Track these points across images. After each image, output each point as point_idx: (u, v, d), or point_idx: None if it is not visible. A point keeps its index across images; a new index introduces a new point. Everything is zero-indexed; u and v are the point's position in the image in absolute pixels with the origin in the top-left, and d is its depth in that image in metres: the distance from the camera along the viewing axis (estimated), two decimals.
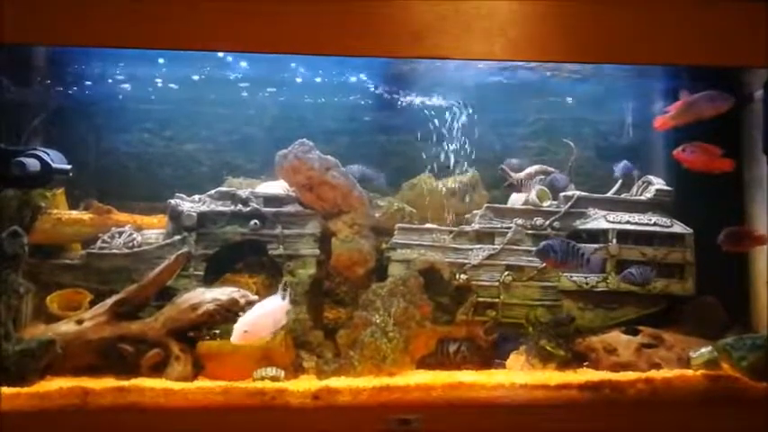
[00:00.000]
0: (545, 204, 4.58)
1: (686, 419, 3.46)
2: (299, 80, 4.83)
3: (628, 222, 4.40)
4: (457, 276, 4.35)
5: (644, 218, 4.43)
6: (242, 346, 3.87)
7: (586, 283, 4.33)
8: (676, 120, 4.05)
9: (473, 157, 4.85)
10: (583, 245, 3.96)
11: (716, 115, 3.89)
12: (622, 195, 4.68)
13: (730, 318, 4.24)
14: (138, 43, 3.54)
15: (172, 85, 4.83)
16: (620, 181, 4.73)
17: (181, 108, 4.98)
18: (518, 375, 3.85)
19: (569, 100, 5.14)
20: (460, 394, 3.48)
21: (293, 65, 4.63)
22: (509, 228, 4.44)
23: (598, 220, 4.44)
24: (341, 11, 3.43)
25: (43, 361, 3.56)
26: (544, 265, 4.31)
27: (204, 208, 4.37)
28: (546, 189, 4.70)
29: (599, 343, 4.06)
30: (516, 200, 4.67)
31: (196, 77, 4.74)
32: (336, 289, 4.51)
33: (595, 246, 4.31)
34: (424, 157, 4.96)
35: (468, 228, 4.51)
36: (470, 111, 4.88)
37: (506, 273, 4.37)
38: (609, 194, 4.67)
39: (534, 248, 4.35)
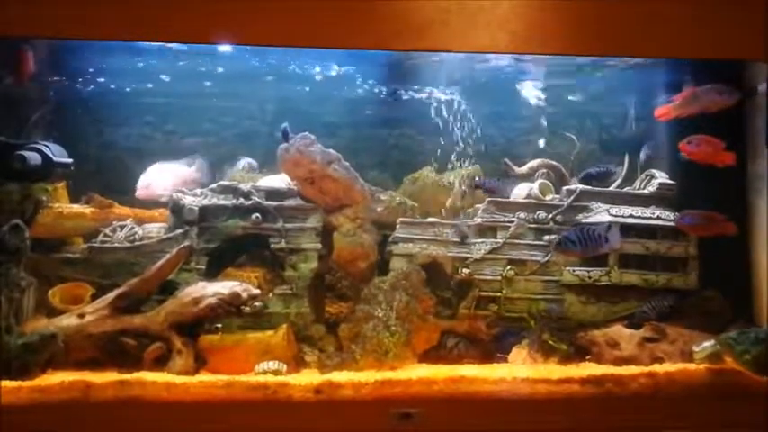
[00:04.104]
0: (547, 198, 4.58)
1: (688, 413, 3.46)
2: (300, 73, 4.82)
3: (631, 216, 4.38)
4: (459, 270, 4.35)
5: (647, 211, 4.42)
6: (244, 339, 3.90)
7: (589, 277, 4.33)
8: (679, 110, 4.04)
9: (475, 150, 4.84)
10: (593, 225, 3.95)
11: (721, 109, 3.88)
12: (625, 189, 4.67)
13: (733, 312, 4.23)
14: (139, 37, 3.55)
15: (173, 79, 4.82)
16: (622, 175, 4.72)
17: (182, 102, 4.97)
18: (520, 369, 3.84)
19: (572, 93, 5.12)
20: (462, 388, 3.47)
21: (295, 58, 4.62)
22: (511, 222, 4.44)
23: (601, 213, 4.43)
24: (344, 4, 3.42)
25: (45, 354, 3.56)
26: (548, 258, 4.31)
27: (206, 202, 4.37)
28: (548, 183, 4.70)
29: (601, 337, 4.06)
30: (519, 194, 4.66)
31: (197, 71, 4.74)
32: (338, 283, 4.49)
33: (605, 221, 4.27)
34: (426, 151, 4.95)
35: (470, 222, 4.50)
36: (472, 104, 4.86)
37: (508, 267, 4.36)
38: (611, 188, 4.66)
39: (536, 242, 4.39)
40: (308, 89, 5.00)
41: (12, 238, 3.65)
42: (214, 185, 4.47)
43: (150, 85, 4.87)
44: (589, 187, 4.56)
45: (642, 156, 4.64)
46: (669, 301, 4.11)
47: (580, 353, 4.08)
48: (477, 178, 4.59)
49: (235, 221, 4.34)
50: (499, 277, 4.35)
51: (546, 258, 4.34)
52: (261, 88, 4.98)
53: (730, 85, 3.92)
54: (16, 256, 3.67)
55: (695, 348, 3.84)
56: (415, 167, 4.88)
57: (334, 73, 4.88)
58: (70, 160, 4.03)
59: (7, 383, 3.30)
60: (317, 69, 4.83)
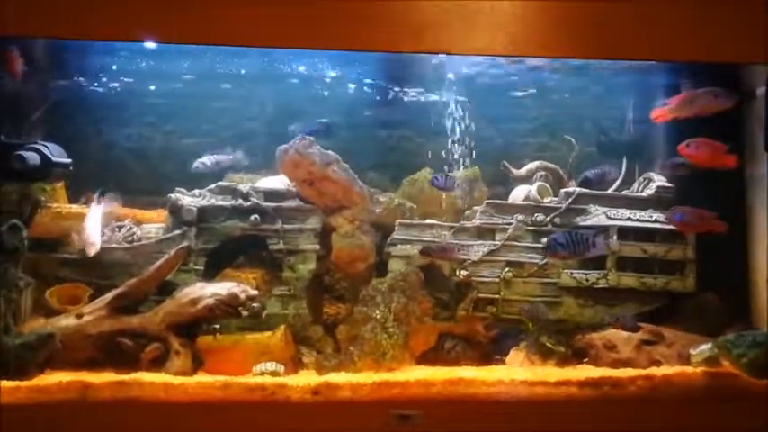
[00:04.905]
0: (545, 200, 4.58)
1: (686, 416, 3.46)
2: (299, 75, 4.82)
3: (629, 219, 4.39)
4: (457, 272, 4.35)
5: (645, 215, 4.43)
6: (242, 340, 3.90)
7: (587, 280, 4.33)
8: (675, 113, 4.04)
9: (474, 152, 4.85)
10: (583, 230, 3.94)
11: (717, 112, 3.88)
12: (623, 192, 4.67)
13: (730, 315, 4.24)
14: (139, 37, 3.54)
15: (172, 79, 4.82)
16: (620, 177, 4.73)
17: (181, 102, 4.97)
18: (518, 371, 3.84)
19: (570, 96, 5.12)
20: (460, 390, 3.48)
21: (294, 59, 4.62)
22: (510, 224, 4.44)
23: (599, 216, 4.43)
24: (343, 5, 3.42)
25: (43, 355, 3.56)
26: (545, 261, 4.31)
27: (204, 202, 4.37)
28: (546, 185, 4.70)
29: (599, 339, 4.06)
30: (517, 196, 4.66)
31: (197, 71, 4.74)
32: (336, 284, 4.49)
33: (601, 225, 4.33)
34: (425, 152, 4.95)
35: (468, 224, 4.50)
36: (471, 106, 4.87)
37: (507, 269, 4.36)
38: (610, 191, 4.66)
39: (534, 245, 4.39)
40: (306, 90, 4.99)
41: (10, 237, 3.65)
42: (213, 186, 4.47)
43: (150, 86, 4.87)
44: (587, 190, 4.56)
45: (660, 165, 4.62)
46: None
47: (578, 355, 4.08)
48: (432, 177, 4.56)
49: (233, 222, 4.34)
50: (497, 279, 4.35)
51: (544, 261, 4.34)
52: (260, 89, 4.98)
53: (727, 87, 3.92)
54: (14, 255, 3.67)
55: (692, 351, 3.84)
56: (414, 169, 4.88)
57: (333, 74, 4.88)
58: (69, 160, 4.03)
59: (5, 383, 3.29)
60: (317, 70, 4.82)
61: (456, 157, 4.82)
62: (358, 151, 4.71)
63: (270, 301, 4.23)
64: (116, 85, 4.86)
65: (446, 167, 4.77)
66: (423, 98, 5.06)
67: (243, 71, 4.77)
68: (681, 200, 4.46)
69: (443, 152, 4.82)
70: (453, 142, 4.82)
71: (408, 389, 3.46)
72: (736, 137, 4.37)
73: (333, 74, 4.87)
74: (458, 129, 4.83)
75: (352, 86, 5.03)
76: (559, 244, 3.76)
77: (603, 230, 4.20)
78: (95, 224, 3.98)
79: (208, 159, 4.70)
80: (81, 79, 4.77)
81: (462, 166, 4.83)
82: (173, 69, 4.71)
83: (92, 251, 3.91)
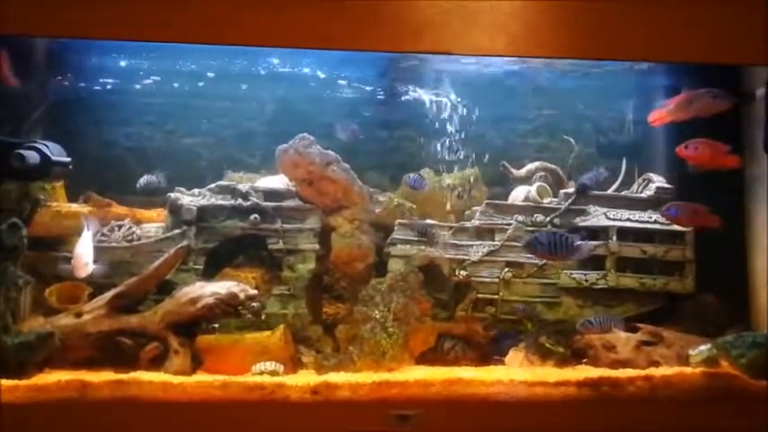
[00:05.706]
0: (545, 201, 4.58)
1: (685, 417, 3.47)
2: (300, 74, 4.82)
3: (628, 220, 4.40)
4: (456, 272, 4.35)
5: (644, 215, 4.43)
6: (241, 340, 3.90)
7: (586, 280, 4.33)
8: (673, 115, 4.03)
9: (474, 152, 4.85)
10: (569, 234, 3.94)
11: (716, 113, 3.88)
12: (623, 193, 4.67)
13: (730, 316, 4.25)
14: (140, 36, 3.54)
15: (172, 79, 4.82)
16: (620, 178, 4.73)
17: (181, 102, 4.97)
18: (517, 372, 3.85)
19: (570, 96, 5.12)
20: (460, 390, 3.48)
21: (294, 59, 4.62)
22: (509, 224, 4.44)
23: (598, 217, 4.43)
24: (343, 5, 3.42)
25: (42, 354, 3.56)
26: (543, 262, 4.30)
27: (204, 202, 4.37)
28: (546, 186, 4.70)
29: (598, 340, 4.06)
30: (516, 196, 4.66)
31: (197, 71, 4.74)
32: (336, 284, 4.50)
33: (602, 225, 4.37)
34: (425, 152, 4.95)
35: (468, 224, 4.50)
36: (471, 107, 4.87)
37: (506, 269, 4.37)
38: (609, 191, 4.66)
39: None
40: (306, 90, 4.99)
41: (9, 236, 3.66)
42: (212, 185, 4.47)
43: (150, 85, 4.86)
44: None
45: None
46: (616, 324, 4.08)
47: (577, 356, 4.08)
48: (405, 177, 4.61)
49: (233, 222, 4.34)
50: (496, 280, 4.35)
51: (543, 261, 4.34)
52: (259, 89, 4.98)
53: (726, 88, 3.92)
54: (13, 254, 3.67)
55: (691, 352, 3.85)
56: (414, 169, 4.87)
57: (333, 74, 4.88)
58: (69, 159, 4.02)
59: (4, 382, 3.29)
60: (316, 70, 4.82)
61: (456, 156, 4.83)
62: (358, 151, 4.72)
63: (269, 301, 4.23)
64: (116, 83, 4.85)
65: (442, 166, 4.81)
66: (423, 98, 5.06)
67: (243, 70, 4.77)
68: (680, 200, 4.47)
69: (443, 152, 4.82)
70: (453, 142, 4.83)
71: (407, 389, 3.46)
72: (735, 137, 4.37)
73: (333, 73, 4.87)
74: (458, 129, 4.84)
75: (351, 86, 5.03)
76: (540, 243, 3.74)
77: (590, 236, 4.23)
78: (87, 248, 3.97)
79: (144, 179, 4.67)
80: (81, 78, 4.76)
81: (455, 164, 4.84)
82: (173, 69, 4.72)
83: (83, 273, 3.89)
